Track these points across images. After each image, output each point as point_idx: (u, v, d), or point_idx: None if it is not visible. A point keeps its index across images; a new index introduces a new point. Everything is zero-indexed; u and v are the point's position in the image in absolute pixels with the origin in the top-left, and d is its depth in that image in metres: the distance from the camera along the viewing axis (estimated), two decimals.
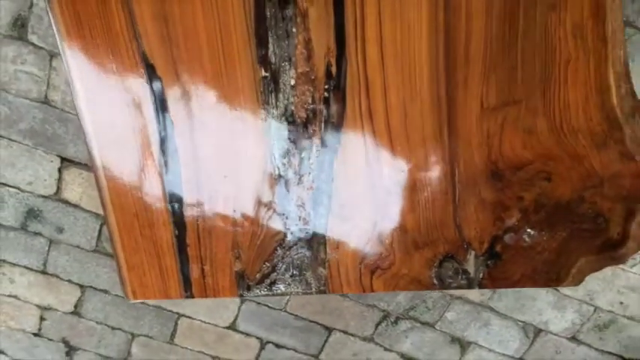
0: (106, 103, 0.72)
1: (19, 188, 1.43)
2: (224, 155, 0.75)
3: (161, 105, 0.72)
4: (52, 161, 1.39)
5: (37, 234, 1.50)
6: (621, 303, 1.47)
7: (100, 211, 1.48)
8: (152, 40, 0.68)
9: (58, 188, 1.43)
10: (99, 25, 0.66)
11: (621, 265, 1.43)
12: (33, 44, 1.24)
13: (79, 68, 0.69)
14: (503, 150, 0.71)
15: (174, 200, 0.77)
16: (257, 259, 0.81)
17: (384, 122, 0.71)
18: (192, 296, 0.84)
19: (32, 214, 1.47)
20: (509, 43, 0.65)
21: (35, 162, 1.39)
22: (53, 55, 1.25)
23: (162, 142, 0.74)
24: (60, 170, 1.41)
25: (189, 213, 0.78)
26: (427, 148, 0.72)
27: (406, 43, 0.66)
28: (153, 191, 0.76)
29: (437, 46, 0.66)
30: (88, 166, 1.41)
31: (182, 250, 0.80)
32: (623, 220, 0.74)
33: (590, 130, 0.69)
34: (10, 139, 1.36)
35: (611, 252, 0.77)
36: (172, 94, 0.71)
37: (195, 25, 0.67)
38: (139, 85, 0.71)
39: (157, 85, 0.71)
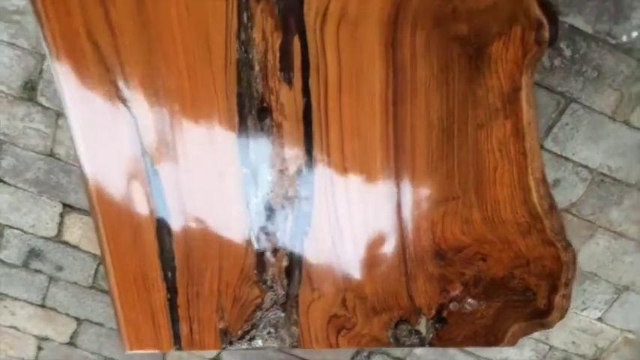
0: (111, 183, 0.86)
1: (22, 230, 1.56)
2: (212, 234, 0.88)
3: (159, 192, 0.85)
4: (54, 207, 1.51)
5: (38, 271, 1.62)
6: (573, 342, 1.61)
7: (98, 252, 1.61)
8: (152, 139, 0.82)
9: (59, 231, 1.56)
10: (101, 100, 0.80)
11: (574, 309, 1.57)
12: (41, 105, 1.37)
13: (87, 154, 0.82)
14: (445, 235, 0.85)
15: (168, 269, 0.91)
16: (238, 319, 0.94)
17: (346, 210, 0.85)
18: (181, 349, 0.97)
19: (34, 253, 1.59)
20: (447, 153, 0.79)
21: (39, 207, 1.52)
22: (59, 114, 1.38)
23: (159, 222, 0.87)
24: (61, 215, 1.53)
25: (180, 280, 0.91)
26: (383, 233, 0.86)
27: (363, 153, 0.80)
28: (150, 261, 0.90)
29: (388, 156, 0.80)
30: (88, 212, 1.53)
31: (173, 310, 0.93)
32: (548, 293, 0.88)
33: (516, 222, 0.83)
34: (16, 187, 1.49)
35: (539, 319, 0.91)
36: (169, 186, 0.85)
37: (190, 133, 0.81)
38: (139, 173, 0.84)
39: (155, 174, 0.84)
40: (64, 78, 0.74)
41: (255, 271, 0.88)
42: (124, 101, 0.79)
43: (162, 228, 0.85)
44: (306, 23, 0.72)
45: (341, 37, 0.72)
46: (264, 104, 0.77)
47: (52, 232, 1.54)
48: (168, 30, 0.72)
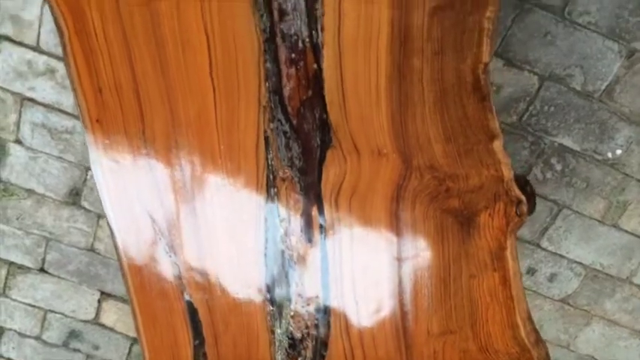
0: (155, 314, 1.00)
1: (63, 314, 1.70)
2: (241, 355, 1.02)
3: (195, 322, 0.99)
4: (93, 294, 1.66)
5: (76, 350, 1.76)
6: None
7: (131, 334, 1.75)
8: (190, 277, 0.96)
9: (97, 315, 1.70)
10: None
11: None
12: (84, 208, 1.53)
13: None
14: None
15: None
16: None
17: (358, 342, 0.98)
18: None
19: (73, 334, 1.74)
20: (445, 298, 0.92)
21: (79, 294, 1.67)
22: (100, 216, 1.54)
23: (196, 347, 1.01)
24: (99, 301, 1.68)
25: None
26: (390, 358, 0.99)
27: (372, 299, 0.93)
28: None
29: (395, 301, 0.93)
30: (124, 298, 1.68)
31: None
32: None
33: (507, 352, 0.95)
34: (59, 277, 1.64)
35: None
36: (205, 316, 0.99)
37: (225, 277, 0.95)
38: (181, 308, 0.99)
39: (192, 308, 0.98)
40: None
41: None
42: (169, 251, 0.94)
43: (198, 353, 0.99)
44: (323, 197, 0.86)
45: (352, 207, 0.86)
46: (288, 258, 0.91)
47: (91, 316, 1.69)
48: (209, 205, 0.87)
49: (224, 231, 0.91)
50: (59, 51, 1.31)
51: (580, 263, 1.48)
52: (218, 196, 0.89)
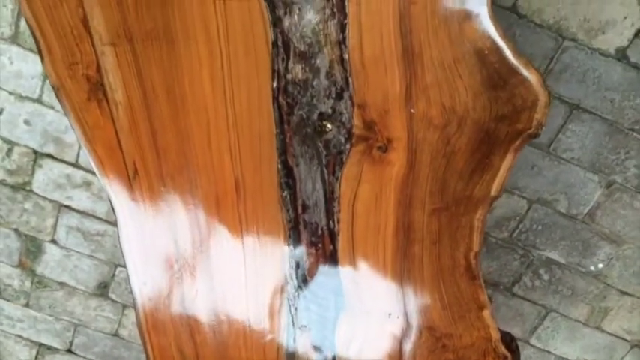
0: None
1: None
2: None
3: None
4: None
5: None
6: None
7: None
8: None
9: None
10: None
11: None
12: (112, 299, 1.67)
13: None
14: None
15: None
16: None
17: None
18: None
19: None
20: None
21: None
22: (126, 306, 1.68)
23: None
24: None
25: None
26: None
27: None
28: None
29: None
30: None
31: None
32: None
33: None
34: (85, 357, 1.78)
35: None
36: None
37: None
38: None
39: None
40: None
41: None
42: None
43: None
44: (337, 347, 1.00)
45: (361, 358, 1.00)
46: None
47: None
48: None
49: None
50: None
51: (566, 359, 1.61)
52: (244, 340, 1.03)
